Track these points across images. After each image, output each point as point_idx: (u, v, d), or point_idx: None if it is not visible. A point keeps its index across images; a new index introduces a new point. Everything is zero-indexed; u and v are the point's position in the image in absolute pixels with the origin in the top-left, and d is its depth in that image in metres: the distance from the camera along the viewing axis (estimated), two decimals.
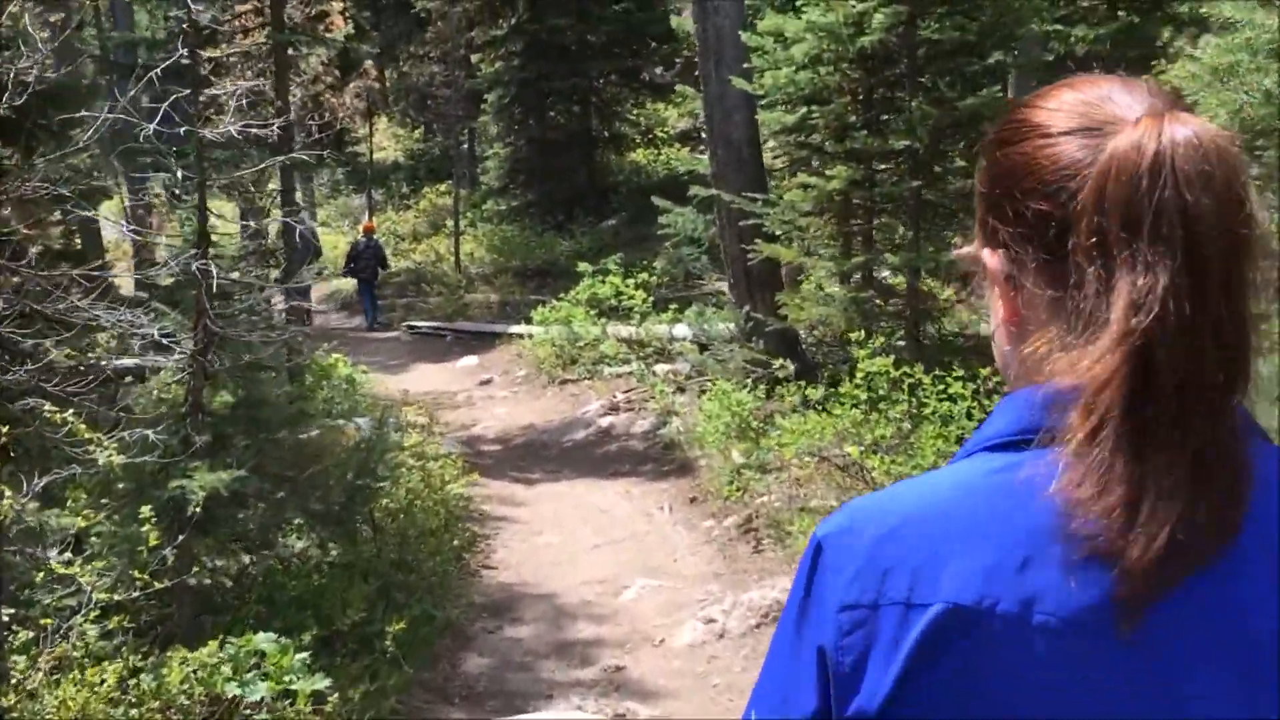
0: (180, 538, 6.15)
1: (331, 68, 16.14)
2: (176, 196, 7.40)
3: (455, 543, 8.61)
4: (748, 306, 11.84)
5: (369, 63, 30.80)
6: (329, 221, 30.54)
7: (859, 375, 8.60)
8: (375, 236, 22.80)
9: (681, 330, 14.86)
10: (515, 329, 18.08)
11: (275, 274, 13.74)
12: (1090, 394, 0.96)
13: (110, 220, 18.48)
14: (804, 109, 10.59)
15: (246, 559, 6.82)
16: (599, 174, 25.91)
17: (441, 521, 8.56)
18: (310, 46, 12.49)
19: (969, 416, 8.16)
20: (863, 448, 8.34)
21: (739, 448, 10.37)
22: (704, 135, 16.52)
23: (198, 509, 6.10)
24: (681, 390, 13.30)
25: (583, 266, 16.54)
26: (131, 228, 16.85)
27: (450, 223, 25.31)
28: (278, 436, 6.90)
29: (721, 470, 10.18)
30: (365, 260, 21.91)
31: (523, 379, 15.84)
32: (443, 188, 28.10)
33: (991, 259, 1.13)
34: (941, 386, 8.41)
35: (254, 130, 6.82)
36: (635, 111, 27.16)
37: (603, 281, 16.22)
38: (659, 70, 29.14)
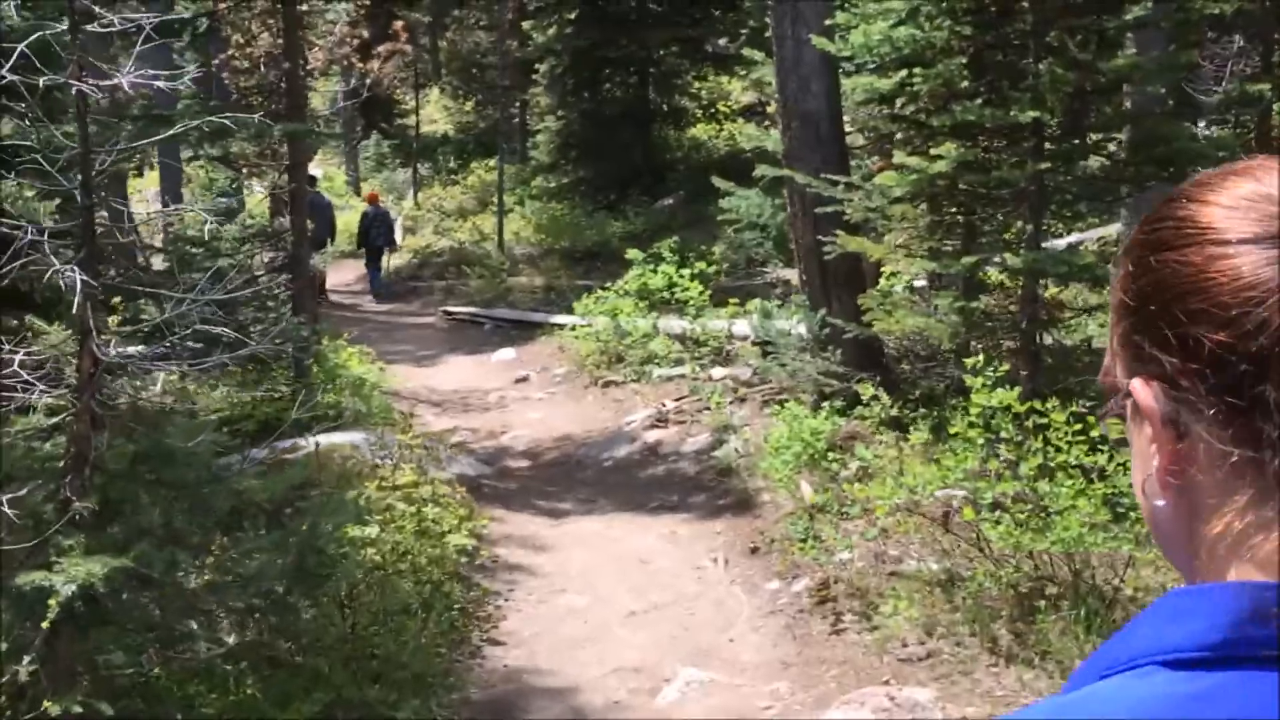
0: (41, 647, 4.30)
1: (357, 29, 14.16)
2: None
3: (452, 611, 6.66)
4: (824, 310, 9.83)
5: (413, 29, 28.95)
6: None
7: (972, 409, 6.54)
8: (381, 205, 21.89)
9: (742, 328, 12.86)
10: (558, 319, 16.15)
11: (262, 258, 11.91)
12: None
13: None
14: (900, 73, 8.51)
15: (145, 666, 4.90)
16: (656, 150, 23.87)
17: (434, 588, 6.60)
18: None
19: (1115, 464, 6.13)
20: (979, 505, 6.31)
21: (811, 484, 8.38)
22: (774, 107, 14.50)
23: (65, 606, 4.23)
24: (741, 400, 11.32)
25: (633, 253, 14.54)
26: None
27: (496, 199, 23.42)
28: (202, 491, 4.96)
29: (789, 513, 8.19)
30: (377, 229, 21.12)
31: (562, 378, 13.90)
32: (491, 163, 26.13)
33: (1144, 392, 0.85)
34: (1078, 427, 6.34)
35: (156, 84, 4.81)
36: (696, 84, 25.04)
37: (654, 270, 14.21)
38: (722, 41, 27.04)
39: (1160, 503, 0.87)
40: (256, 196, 19.73)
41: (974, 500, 6.31)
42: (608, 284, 17.81)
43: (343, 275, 23.89)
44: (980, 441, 6.44)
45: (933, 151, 7.84)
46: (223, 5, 10.76)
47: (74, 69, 4.38)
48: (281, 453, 8.45)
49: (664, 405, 11.60)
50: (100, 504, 4.59)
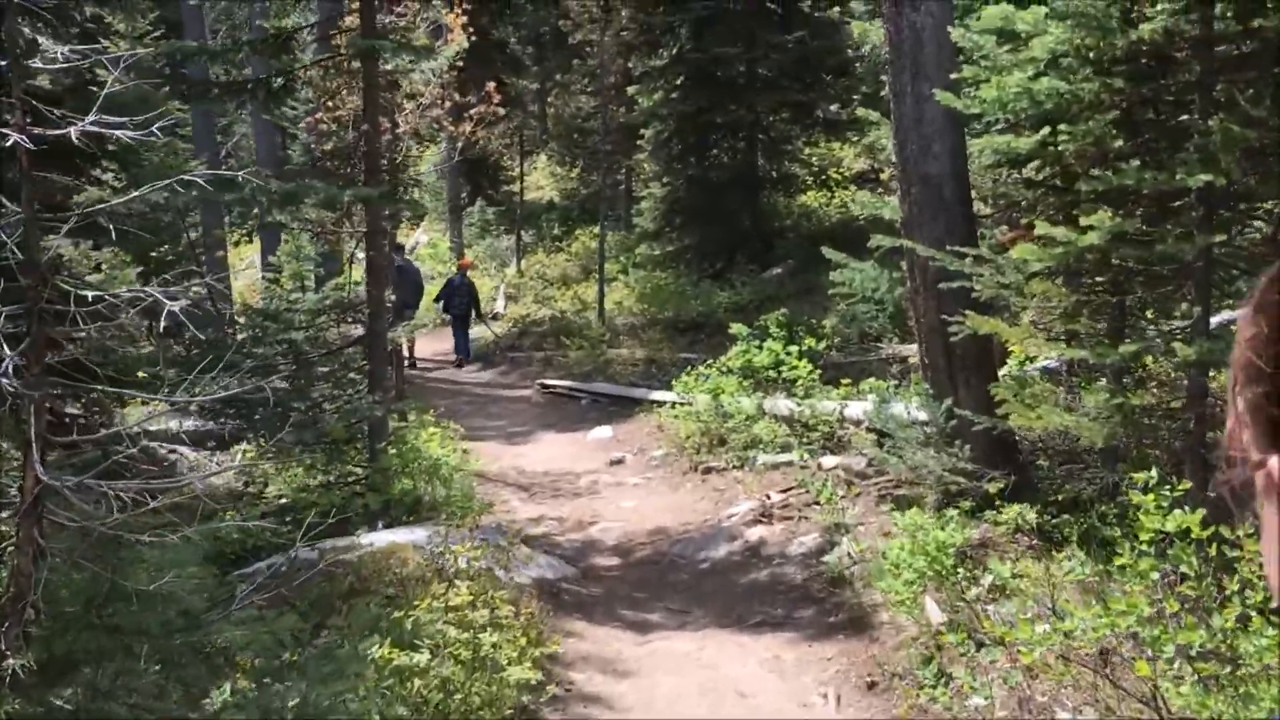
0: None
1: (450, 90, 13.37)
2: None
3: None
4: (949, 398, 8.62)
5: (519, 96, 28.40)
6: (478, 263, 28.04)
7: (1142, 534, 5.28)
8: (466, 273, 21.58)
9: (856, 411, 11.68)
10: (657, 395, 15.09)
11: (339, 330, 11.05)
12: None
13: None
14: (1040, 132, 7.34)
15: None
16: (764, 218, 22.82)
17: None
18: (401, 56, 9.67)
19: None
20: (1155, 660, 5.05)
21: (937, 601, 7.15)
22: (890, 172, 13.38)
23: None
24: (854, 493, 10.11)
25: (737, 328, 13.43)
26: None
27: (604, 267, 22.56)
28: (172, 643, 3.95)
29: (912, 638, 6.96)
30: (460, 297, 20.75)
31: (660, 461, 12.80)
32: (596, 230, 25.32)
33: (1273, 464, 0.83)
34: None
35: (119, 134, 3.91)
36: (806, 150, 23.98)
37: (760, 347, 13.09)
38: (834, 107, 26.00)
39: None
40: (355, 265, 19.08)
41: (1148, 650, 5.04)
42: (711, 358, 16.76)
43: (442, 343, 23.17)
44: (1154, 576, 5.17)
45: (1082, 221, 6.65)
46: (301, 67, 9.97)
47: (19, 117, 3.44)
48: (337, 551, 7.46)
49: (768, 497, 10.45)
50: (42, 659, 3.60)
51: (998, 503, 7.67)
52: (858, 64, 27.94)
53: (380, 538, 8.16)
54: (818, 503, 9.86)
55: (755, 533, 9.74)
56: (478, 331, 22.80)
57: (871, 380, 12.83)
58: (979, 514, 8.07)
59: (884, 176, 26.27)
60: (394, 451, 11.20)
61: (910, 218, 8.88)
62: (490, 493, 12.01)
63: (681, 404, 13.34)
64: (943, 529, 7.31)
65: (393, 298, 14.23)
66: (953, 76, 8.21)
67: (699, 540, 9.93)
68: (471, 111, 14.25)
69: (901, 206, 9.03)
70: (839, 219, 23.41)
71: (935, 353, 8.96)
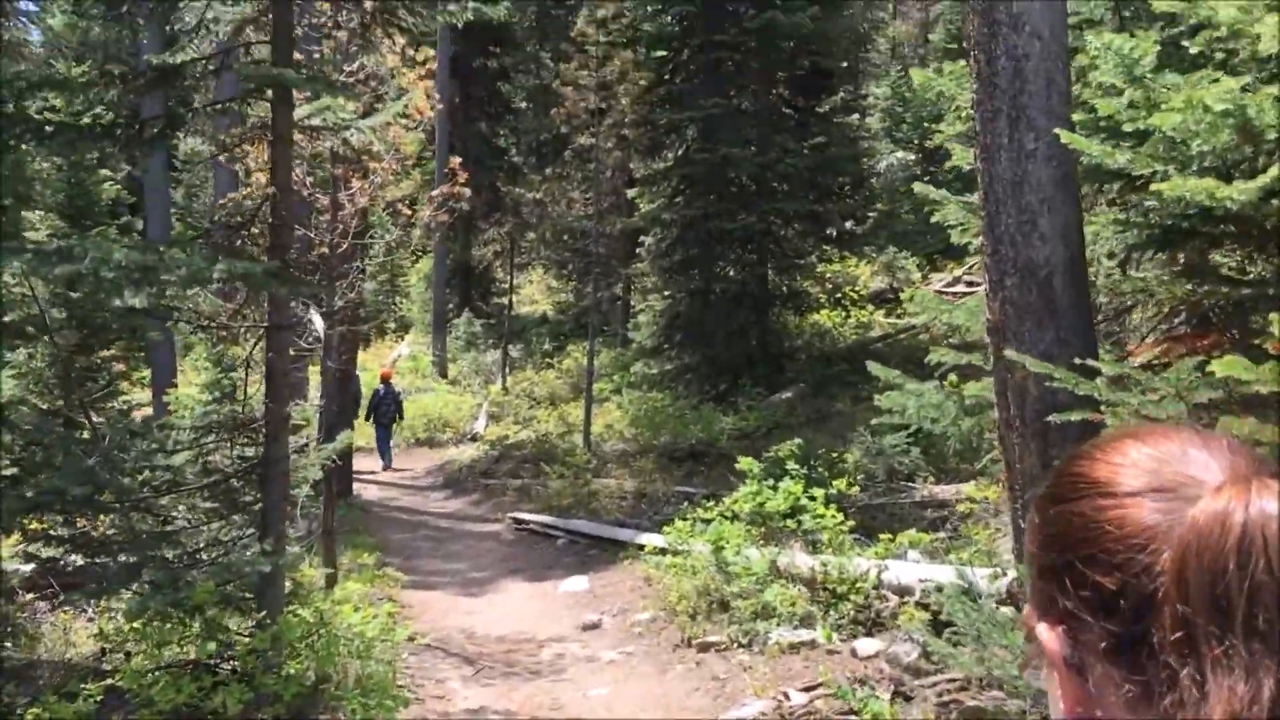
0: None
1: (400, 162, 10.74)
2: None
3: None
4: None
5: (515, 203, 25.94)
6: (459, 379, 25.29)
7: None
8: (393, 384, 20.56)
9: (899, 573, 8.82)
10: (646, 538, 12.17)
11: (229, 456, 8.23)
12: None
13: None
14: (1270, 174, 4.60)
15: None
16: (773, 336, 20.13)
17: None
18: (316, 93, 7.05)
19: None
20: None
21: None
22: (913, 289, 10.72)
23: None
24: (905, 697, 7.19)
25: (746, 463, 10.54)
26: None
27: (596, 386, 19.78)
28: None
29: None
30: (385, 407, 19.82)
31: (644, 628, 9.86)
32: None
33: (1049, 636, 0.91)
34: None
35: None
36: (820, 266, 21.36)
37: (774, 487, 10.20)
38: (848, 224, 23.52)
39: None
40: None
41: None
42: (711, 494, 13.87)
43: (414, 464, 20.32)
44: None
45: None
46: (184, 109, 7.29)
47: None
48: None
49: (786, 697, 7.49)
50: None
51: None
52: (873, 179, 25.69)
53: None
54: (854, 712, 6.94)
55: None
56: (453, 454, 20.01)
57: (911, 533, 9.99)
58: None
59: (904, 296, 23.64)
60: (297, 616, 8.31)
61: (1003, 320, 6.10)
62: (424, 669, 9.07)
63: (675, 552, 10.42)
64: None
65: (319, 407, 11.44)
66: (1077, 117, 5.50)
67: None
68: (434, 193, 11.54)
69: (989, 305, 6.25)
70: (855, 340, 20.75)
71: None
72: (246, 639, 7.78)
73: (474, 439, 20.71)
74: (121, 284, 6.76)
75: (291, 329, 7.94)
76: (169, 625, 7.32)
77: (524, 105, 28.41)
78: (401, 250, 32.54)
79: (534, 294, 31.20)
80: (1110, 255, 6.40)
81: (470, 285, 29.36)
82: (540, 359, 25.21)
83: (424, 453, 21.12)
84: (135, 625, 7.32)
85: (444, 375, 25.46)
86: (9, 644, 9.22)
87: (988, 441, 7.64)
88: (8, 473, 8.65)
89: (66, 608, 8.79)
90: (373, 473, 19.58)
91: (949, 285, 22.26)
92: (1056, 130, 5.27)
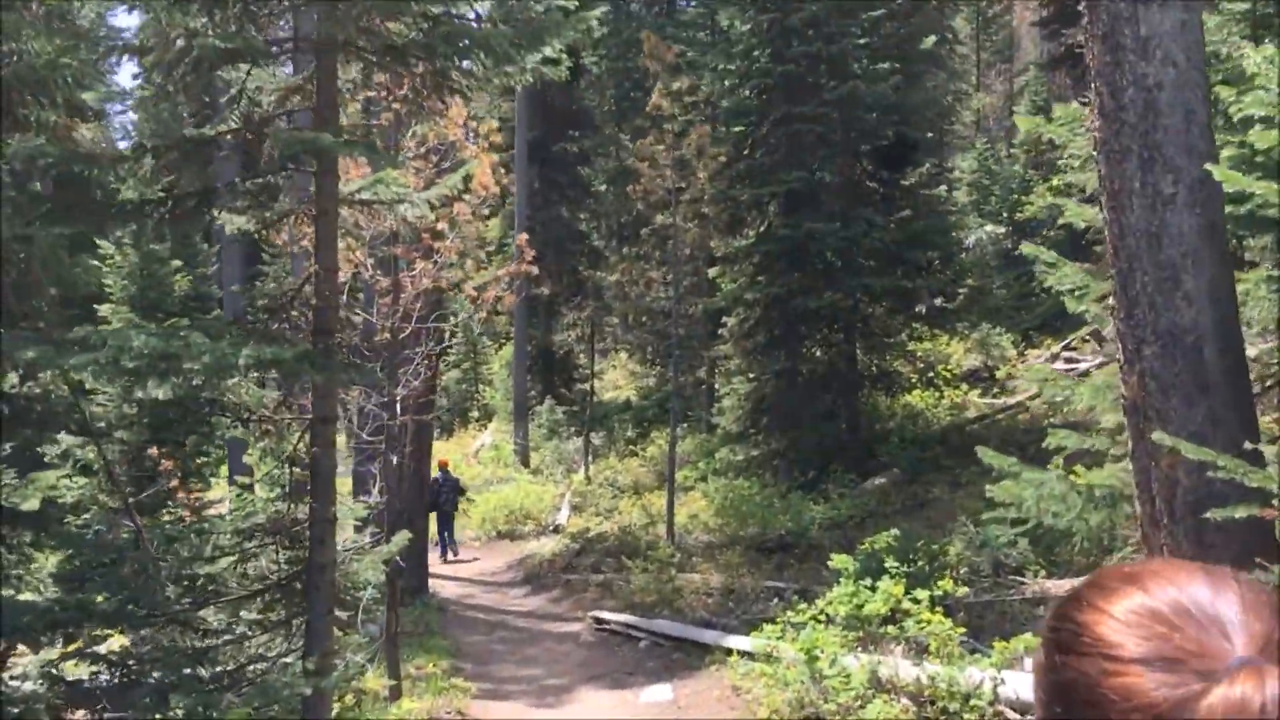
0: None
1: (469, 244, 10.08)
2: None
3: None
4: None
5: (594, 288, 25.32)
6: (542, 468, 24.53)
7: None
8: (449, 470, 19.93)
9: (1018, 688, 7.73)
10: (734, 641, 11.19)
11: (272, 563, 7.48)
12: None
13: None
14: None
15: None
16: (864, 419, 19.09)
17: None
18: (355, 154, 6.41)
19: None
20: None
21: None
22: (1011, 369, 9.71)
23: None
24: None
25: (841, 560, 9.51)
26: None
27: (679, 474, 18.88)
28: None
29: None
30: (445, 494, 19.23)
31: None
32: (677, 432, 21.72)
33: None
34: None
35: None
36: (911, 344, 20.31)
37: (871, 587, 9.17)
38: (938, 300, 22.49)
39: None
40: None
41: None
42: (802, 589, 12.86)
43: (494, 559, 19.50)
44: None
45: None
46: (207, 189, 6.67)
47: None
48: None
49: None
50: None
51: None
52: (962, 254, 24.65)
53: None
54: None
55: None
56: (533, 547, 19.18)
57: (1027, 637, 8.87)
58: None
59: (999, 374, 22.65)
60: None
61: (1143, 396, 5.14)
62: None
63: (765, 658, 9.40)
64: None
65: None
66: (1225, 154, 4.58)
67: None
68: (501, 272, 10.85)
69: (1124, 379, 5.29)
70: (949, 421, 19.62)
71: None
72: None
73: (556, 530, 19.88)
74: (145, 374, 6.10)
75: (335, 421, 7.19)
76: None
77: (604, 188, 27.91)
78: (484, 338, 32.14)
79: (617, 379, 30.48)
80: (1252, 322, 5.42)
81: (553, 371, 28.73)
82: (623, 446, 24.39)
83: (504, 545, 20.31)
84: None
85: (526, 464, 24.74)
86: None
87: (1120, 539, 6.59)
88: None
89: None
90: (454, 562, 19.01)
91: (1047, 362, 21.11)
92: (1208, 166, 4.35)
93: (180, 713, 6.47)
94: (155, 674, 6.95)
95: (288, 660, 7.11)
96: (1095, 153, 5.28)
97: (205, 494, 16.18)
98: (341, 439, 17.22)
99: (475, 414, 30.77)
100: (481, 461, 25.86)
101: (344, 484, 22.66)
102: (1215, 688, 0.76)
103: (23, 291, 7.44)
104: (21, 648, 7.98)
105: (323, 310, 7.05)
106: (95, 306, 16.05)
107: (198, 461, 15.75)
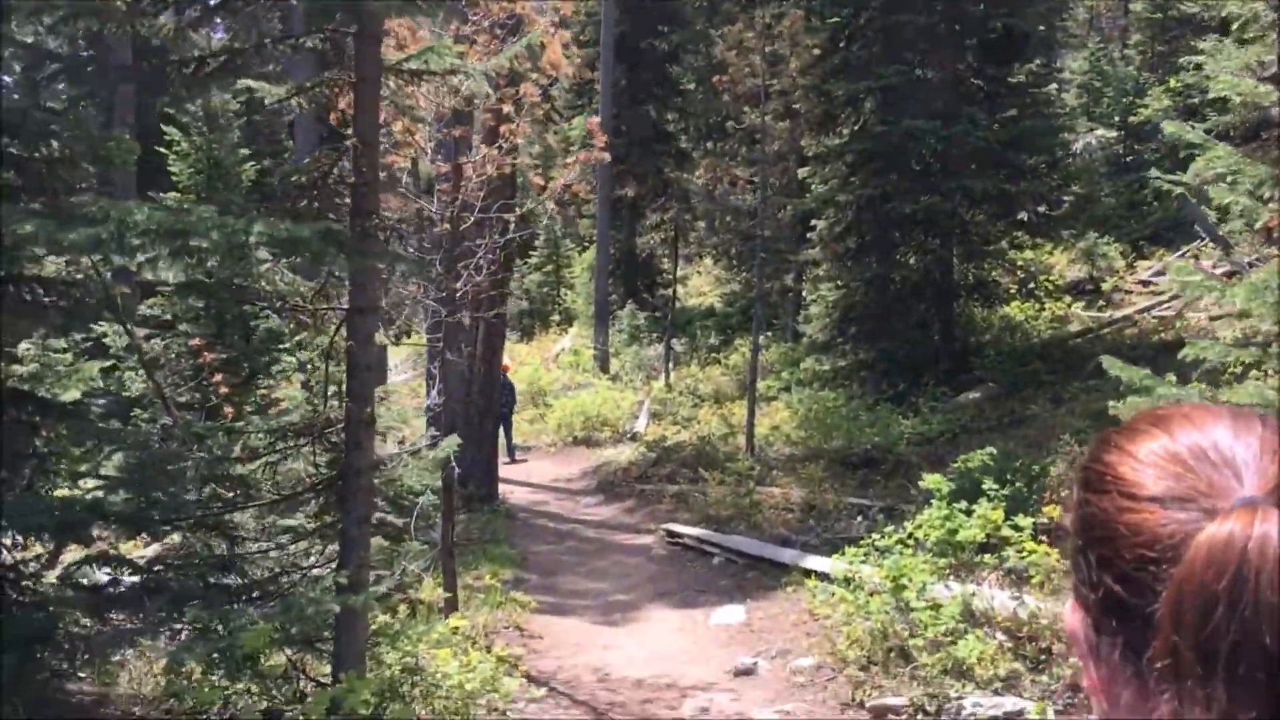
0: None
1: (538, 129, 9.19)
2: None
3: None
4: None
5: (680, 189, 24.33)
6: (621, 374, 23.82)
7: None
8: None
9: None
10: (813, 562, 10.40)
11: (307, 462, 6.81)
12: None
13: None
14: None
15: None
16: (959, 330, 17.99)
17: None
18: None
19: None
20: None
21: None
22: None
23: None
24: None
25: (933, 480, 8.58)
26: None
27: (762, 383, 18.02)
28: None
29: None
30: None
31: (807, 678, 8.10)
32: (761, 340, 20.74)
33: (1072, 618, 0.89)
34: None
35: None
36: (1010, 253, 19.05)
37: (967, 511, 8.26)
38: (1041, 208, 21.06)
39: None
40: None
41: None
42: (888, 506, 12.01)
43: (569, 466, 18.90)
44: None
45: None
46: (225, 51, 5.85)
47: None
48: None
49: None
50: None
51: None
52: (1069, 159, 23.13)
53: None
54: None
55: None
56: (609, 454, 18.52)
57: None
58: None
59: (1105, 286, 21.24)
60: (391, 653, 6.86)
61: None
62: None
63: (846, 584, 8.56)
64: None
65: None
66: None
67: None
68: (571, 160, 9.96)
69: None
70: (1051, 334, 18.44)
71: None
72: (323, 684, 6.37)
73: (633, 438, 19.18)
74: (154, 252, 5.36)
75: (375, 313, 6.43)
76: (215, 678, 5.91)
77: (693, 87, 26.70)
78: (567, 241, 31.32)
79: (701, 285, 29.53)
80: None
81: (635, 275, 27.89)
82: (705, 353, 23.54)
83: (580, 453, 19.68)
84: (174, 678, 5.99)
85: (605, 370, 24.03)
86: (84, 674, 8.04)
87: None
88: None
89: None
90: (515, 460, 18.55)
91: (1156, 275, 19.72)
92: None
93: (198, 626, 5.86)
94: (176, 582, 6.34)
95: (320, 573, 6.46)
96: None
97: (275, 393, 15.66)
98: (418, 338, 16.61)
99: (556, 318, 30.09)
100: (560, 366, 25.20)
101: (418, 385, 22.14)
102: (1209, 524, 0.76)
103: (53, 166, 6.75)
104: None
105: (361, 189, 6.26)
106: (161, 195, 15.49)
107: (265, 359, 15.21)
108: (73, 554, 7.38)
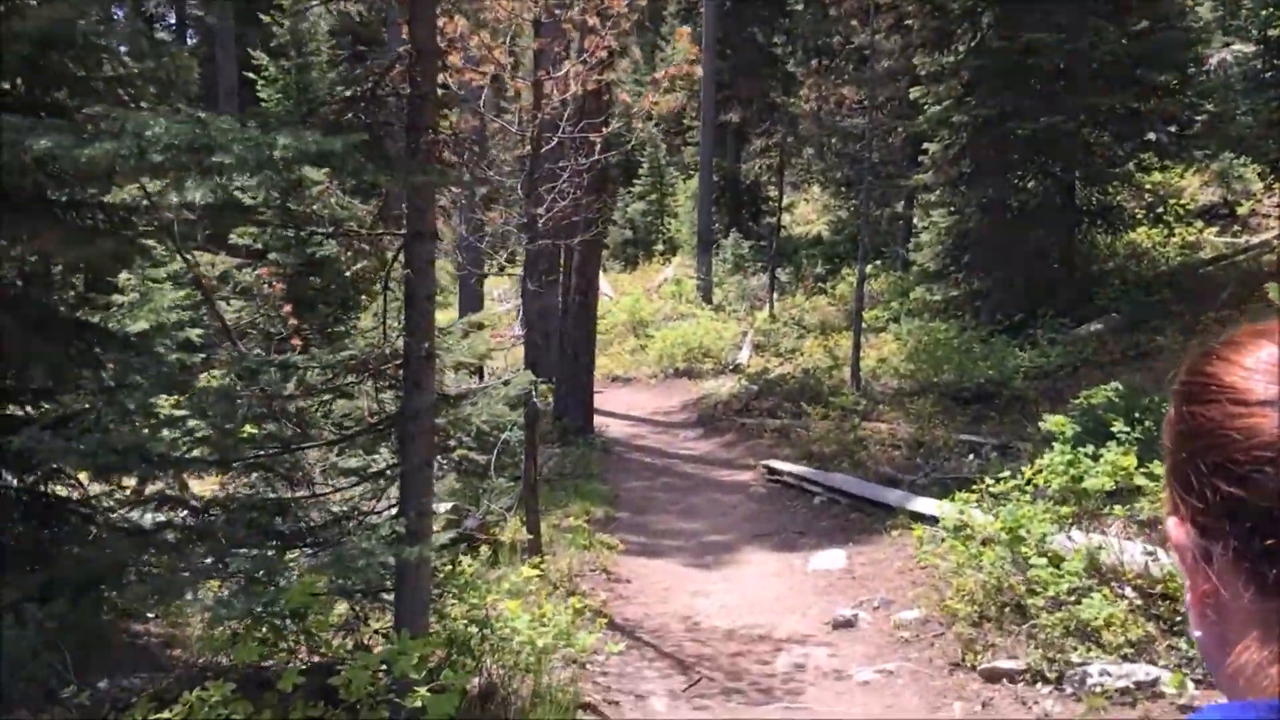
0: None
1: (626, 41, 8.47)
2: None
3: None
4: None
5: (784, 113, 23.33)
6: (724, 304, 23.08)
7: None
8: None
9: None
10: (921, 504, 9.65)
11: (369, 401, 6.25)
12: None
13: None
14: None
15: None
16: (1080, 258, 16.86)
17: None
18: None
19: None
20: None
21: None
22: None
23: None
24: None
25: (1056, 422, 7.73)
26: None
27: (869, 314, 17.15)
28: None
29: None
30: None
31: (912, 633, 7.41)
32: (869, 269, 19.75)
33: (1178, 531, 0.87)
34: None
35: None
36: (1138, 176, 17.75)
37: (1093, 456, 7.42)
38: (1171, 128, 19.61)
39: (1198, 633, 0.88)
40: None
41: None
42: (1003, 444, 11.19)
43: (669, 398, 18.30)
44: None
45: None
46: None
47: None
48: None
49: None
50: None
51: None
52: (1203, 76, 21.56)
53: None
54: None
55: None
56: (710, 386, 17.88)
57: None
58: None
59: (1241, 211, 19.82)
60: (456, 604, 6.35)
61: None
62: (626, 675, 6.94)
63: (956, 532, 7.80)
64: None
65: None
66: None
67: None
68: (659, 75, 9.22)
69: None
70: (1180, 262, 17.20)
71: None
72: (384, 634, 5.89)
73: (735, 370, 18.51)
74: (180, 171, 4.81)
75: (433, 238, 5.81)
76: (261, 633, 5.43)
77: (800, 7, 25.55)
78: (671, 169, 30.49)
79: (807, 213, 28.53)
80: None
81: (740, 203, 27.03)
82: (811, 283, 22.67)
83: (682, 384, 19.07)
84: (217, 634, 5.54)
85: (708, 300, 23.31)
86: (152, 615, 7.70)
87: None
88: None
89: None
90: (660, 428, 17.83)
91: None
92: None
93: (243, 575, 5.38)
94: (224, 527, 5.88)
95: (377, 520, 5.94)
96: None
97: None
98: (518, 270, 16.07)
99: (660, 247, 29.38)
100: (662, 296, 24.54)
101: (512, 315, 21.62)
102: None
103: (110, 85, 6.25)
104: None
105: (416, 100, 5.61)
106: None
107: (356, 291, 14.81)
108: (120, 492, 7.00)
